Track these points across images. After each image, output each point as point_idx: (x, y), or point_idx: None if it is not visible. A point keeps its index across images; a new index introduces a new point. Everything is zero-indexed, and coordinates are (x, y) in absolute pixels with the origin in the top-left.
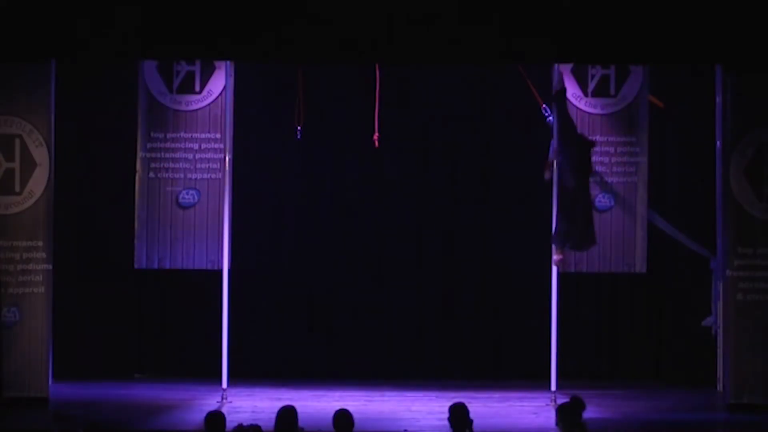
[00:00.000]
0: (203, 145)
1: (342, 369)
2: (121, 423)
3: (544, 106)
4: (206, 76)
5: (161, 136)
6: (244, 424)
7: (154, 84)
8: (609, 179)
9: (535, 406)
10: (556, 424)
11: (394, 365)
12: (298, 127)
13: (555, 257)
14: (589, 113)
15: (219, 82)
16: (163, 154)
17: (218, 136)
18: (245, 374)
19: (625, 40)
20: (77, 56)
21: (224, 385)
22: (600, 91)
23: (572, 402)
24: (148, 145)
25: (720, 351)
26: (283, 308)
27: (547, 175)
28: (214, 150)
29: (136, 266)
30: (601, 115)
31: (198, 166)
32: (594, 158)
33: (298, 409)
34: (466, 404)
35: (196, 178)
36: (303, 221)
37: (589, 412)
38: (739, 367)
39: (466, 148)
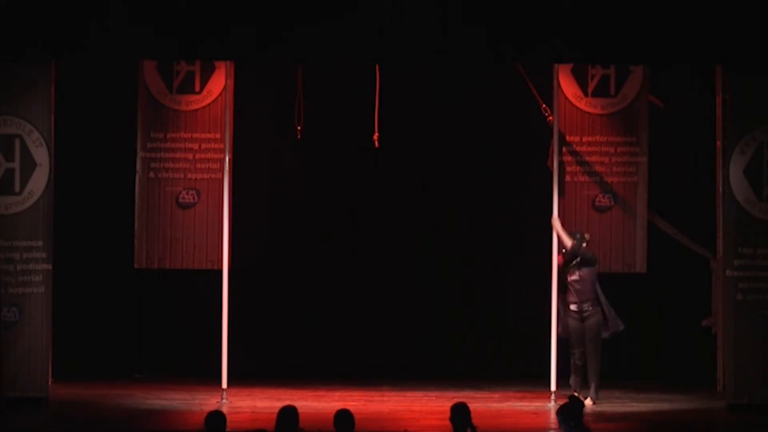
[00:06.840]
0: (203, 145)
1: (342, 369)
2: (121, 423)
3: (544, 106)
4: (206, 76)
5: (161, 136)
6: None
7: (154, 84)
8: (609, 179)
9: (535, 406)
10: (559, 426)
11: (394, 365)
12: (298, 127)
13: (556, 257)
14: (589, 113)
15: (219, 82)
16: (163, 154)
17: (218, 136)
18: (245, 374)
19: (625, 40)
20: (77, 56)
21: (224, 385)
22: (600, 91)
23: (571, 402)
24: (148, 145)
25: (720, 351)
26: (283, 308)
27: (549, 163)
28: (214, 150)
29: (136, 266)
30: (601, 115)
31: (198, 166)
32: (594, 158)
33: (298, 409)
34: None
35: (196, 178)
36: (303, 221)
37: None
38: (739, 367)
39: (466, 148)
